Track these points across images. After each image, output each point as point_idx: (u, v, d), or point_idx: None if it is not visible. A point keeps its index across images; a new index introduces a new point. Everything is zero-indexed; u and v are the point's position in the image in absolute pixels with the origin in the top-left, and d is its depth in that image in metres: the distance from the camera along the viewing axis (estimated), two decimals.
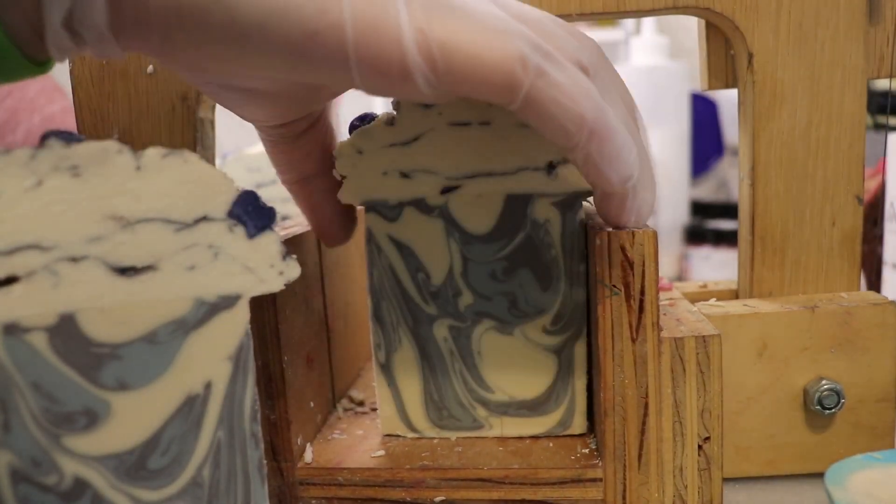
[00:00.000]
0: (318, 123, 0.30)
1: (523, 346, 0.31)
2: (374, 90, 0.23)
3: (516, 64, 0.22)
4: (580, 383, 0.31)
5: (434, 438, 0.32)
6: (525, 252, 0.31)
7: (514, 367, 0.31)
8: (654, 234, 0.27)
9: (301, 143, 0.29)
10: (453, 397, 0.32)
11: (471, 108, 0.29)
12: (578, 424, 0.32)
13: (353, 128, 0.30)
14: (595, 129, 0.23)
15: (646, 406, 0.28)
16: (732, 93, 0.36)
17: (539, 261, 0.31)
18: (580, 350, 0.31)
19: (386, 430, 0.33)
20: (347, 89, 0.24)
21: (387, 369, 0.32)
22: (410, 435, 0.33)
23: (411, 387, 0.32)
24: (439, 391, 0.32)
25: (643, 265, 0.27)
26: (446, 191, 0.30)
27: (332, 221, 0.31)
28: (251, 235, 0.23)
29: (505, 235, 0.31)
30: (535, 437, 0.32)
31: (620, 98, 0.26)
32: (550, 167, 0.29)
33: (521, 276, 0.31)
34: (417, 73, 0.22)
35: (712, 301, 0.35)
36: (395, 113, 0.29)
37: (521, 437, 0.32)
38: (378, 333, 0.32)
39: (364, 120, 0.30)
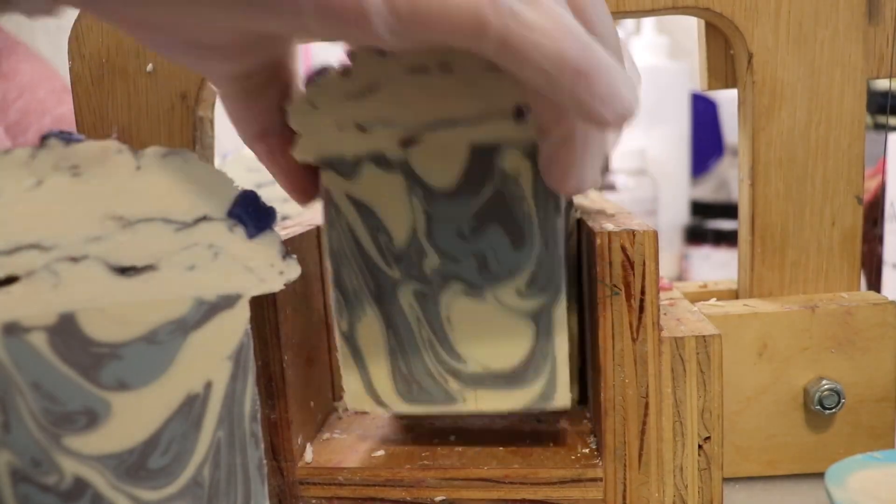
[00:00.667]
0: (279, 75, 0.28)
1: (496, 312, 0.29)
2: (329, 35, 0.22)
3: (485, 5, 0.20)
4: (561, 351, 0.29)
5: (406, 416, 0.31)
6: (494, 208, 0.28)
7: (487, 335, 0.29)
8: (655, 234, 0.27)
9: (262, 95, 0.28)
10: (423, 369, 0.30)
11: (429, 52, 0.27)
12: (561, 397, 0.29)
13: (309, 82, 0.28)
14: (581, 68, 0.21)
15: (646, 406, 0.28)
16: (732, 93, 0.36)
17: (510, 217, 0.28)
18: (559, 314, 0.29)
19: (353, 406, 0.31)
20: (303, 36, 0.23)
21: (351, 340, 0.30)
22: (379, 410, 0.31)
23: (377, 358, 0.30)
24: (407, 363, 0.30)
25: (643, 265, 0.27)
26: (406, 144, 0.28)
27: (299, 174, 0.29)
28: (251, 235, 0.23)
29: (471, 190, 0.28)
30: (532, 436, 0.32)
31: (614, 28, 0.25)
32: (519, 112, 0.27)
33: (491, 235, 0.28)
34: (376, 16, 0.20)
35: (712, 301, 0.35)
36: (349, 63, 0.27)
37: (520, 437, 0.32)
38: (340, 301, 0.30)
39: (321, 74, 0.28)
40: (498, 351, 0.29)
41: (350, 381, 0.31)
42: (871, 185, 0.54)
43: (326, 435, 0.33)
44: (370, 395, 0.30)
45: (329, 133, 0.28)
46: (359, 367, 0.30)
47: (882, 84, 0.59)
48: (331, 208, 0.29)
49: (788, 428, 0.33)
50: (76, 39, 0.34)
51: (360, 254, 0.29)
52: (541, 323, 0.29)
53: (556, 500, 0.29)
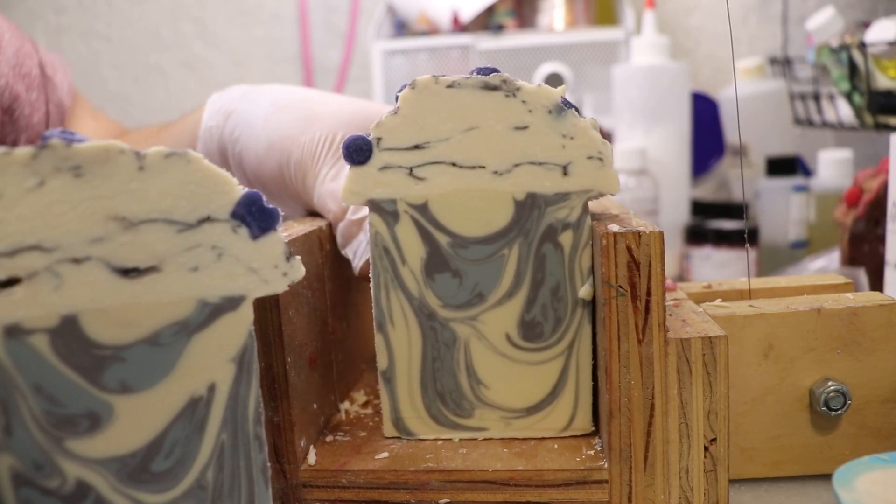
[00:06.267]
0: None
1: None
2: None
3: None
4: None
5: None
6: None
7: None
8: (661, 235, 0.26)
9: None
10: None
11: None
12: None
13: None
14: None
15: (652, 407, 0.27)
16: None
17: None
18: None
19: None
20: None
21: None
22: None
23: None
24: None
25: (649, 266, 0.27)
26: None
27: None
28: (255, 236, 0.23)
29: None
30: (537, 438, 0.32)
31: None
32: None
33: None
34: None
35: (718, 302, 0.35)
36: None
37: (525, 439, 0.32)
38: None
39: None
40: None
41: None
42: (872, 185, 0.54)
43: (330, 437, 0.33)
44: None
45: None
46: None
47: (883, 84, 0.58)
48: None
49: (794, 429, 0.32)
50: None
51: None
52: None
53: (561, 502, 0.29)
